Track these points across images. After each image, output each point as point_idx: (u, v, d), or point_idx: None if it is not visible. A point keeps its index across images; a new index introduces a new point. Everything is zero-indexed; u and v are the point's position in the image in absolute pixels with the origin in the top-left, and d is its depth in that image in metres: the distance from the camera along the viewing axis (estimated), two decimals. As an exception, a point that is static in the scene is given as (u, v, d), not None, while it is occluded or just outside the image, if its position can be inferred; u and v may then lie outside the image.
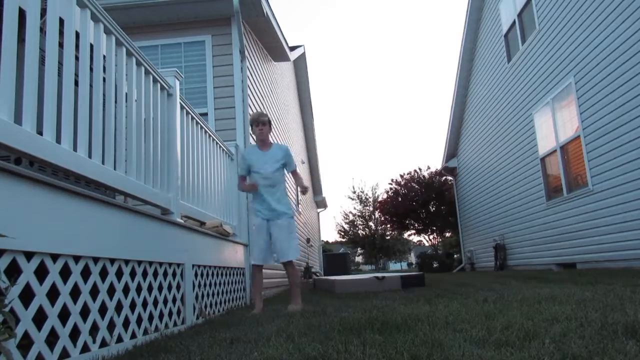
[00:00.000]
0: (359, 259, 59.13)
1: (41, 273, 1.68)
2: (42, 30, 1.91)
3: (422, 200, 19.85)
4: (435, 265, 17.11)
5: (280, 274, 6.79)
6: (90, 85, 2.20)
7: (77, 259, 1.90)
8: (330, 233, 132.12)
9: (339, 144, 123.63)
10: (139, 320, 2.42)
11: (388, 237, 39.45)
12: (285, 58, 9.24)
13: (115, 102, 2.48)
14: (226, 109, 6.15)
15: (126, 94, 2.65)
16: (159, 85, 3.11)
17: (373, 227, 39.30)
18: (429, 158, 69.36)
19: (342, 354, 1.59)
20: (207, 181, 4.13)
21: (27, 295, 1.59)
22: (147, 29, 6.42)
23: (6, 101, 1.61)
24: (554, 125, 8.08)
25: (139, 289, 2.44)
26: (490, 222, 11.83)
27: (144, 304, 2.49)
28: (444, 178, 18.81)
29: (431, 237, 22.28)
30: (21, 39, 1.75)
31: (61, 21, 2.02)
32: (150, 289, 2.58)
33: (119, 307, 2.21)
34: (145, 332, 2.46)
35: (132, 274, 2.38)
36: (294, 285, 3.89)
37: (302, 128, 14.75)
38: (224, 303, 4.14)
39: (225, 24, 6.36)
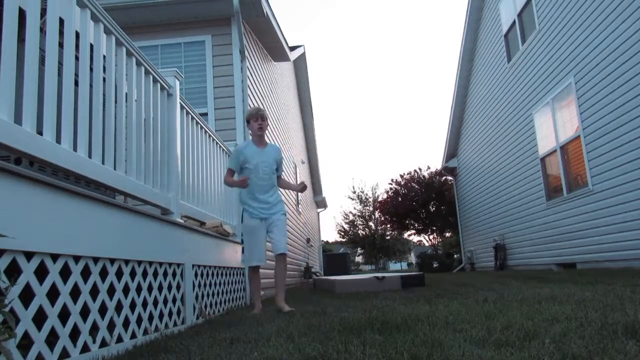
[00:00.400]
0: (359, 259, 59.12)
1: (41, 273, 1.68)
2: (42, 30, 1.91)
3: (422, 200, 19.86)
4: (435, 265, 17.12)
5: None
6: (90, 85, 2.20)
7: (77, 259, 1.90)
8: (330, 233, 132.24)
9: (339, 144, 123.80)
10: (139, 320, 2.42)
11: (388, 237, 39.44)
12: (285, 58, 9.24)
13: (115, 102, 2.48)
14: (226, 109, 6.15)
15: (126, 94, 2.64)
16: (159, 85, 3.11)
17: (373, 227, 39.29)
18: (429, 158, 69.43)
19: (342, 354, 1.59)
20: (207, 181, 4.13)
21: (27, 295, 1.59)
22: (147, 29, 6.43)
23: (6, 101, 1.61)
24: (554, 125, 8.08)
25: (139, 289, 2.44)
26: (490, 222, 11.83)
27: (144, 304, 2.49)
28: (444, 178, 18.81)
29: (431, 237, 22.29)
30: (21, 39, 1.75)
31: (61, 21, 2.02)
32: (150, 289, 2.58)
33: (119, 307, 2.21)
34: (145, 332, 2.46)
35: (132, 274, 2.38)
36: (283, 283, 3.75)
37: (302, 128, 14.75)
38: (224, 303, 4.14)
39: (225, 24, 6.37)
